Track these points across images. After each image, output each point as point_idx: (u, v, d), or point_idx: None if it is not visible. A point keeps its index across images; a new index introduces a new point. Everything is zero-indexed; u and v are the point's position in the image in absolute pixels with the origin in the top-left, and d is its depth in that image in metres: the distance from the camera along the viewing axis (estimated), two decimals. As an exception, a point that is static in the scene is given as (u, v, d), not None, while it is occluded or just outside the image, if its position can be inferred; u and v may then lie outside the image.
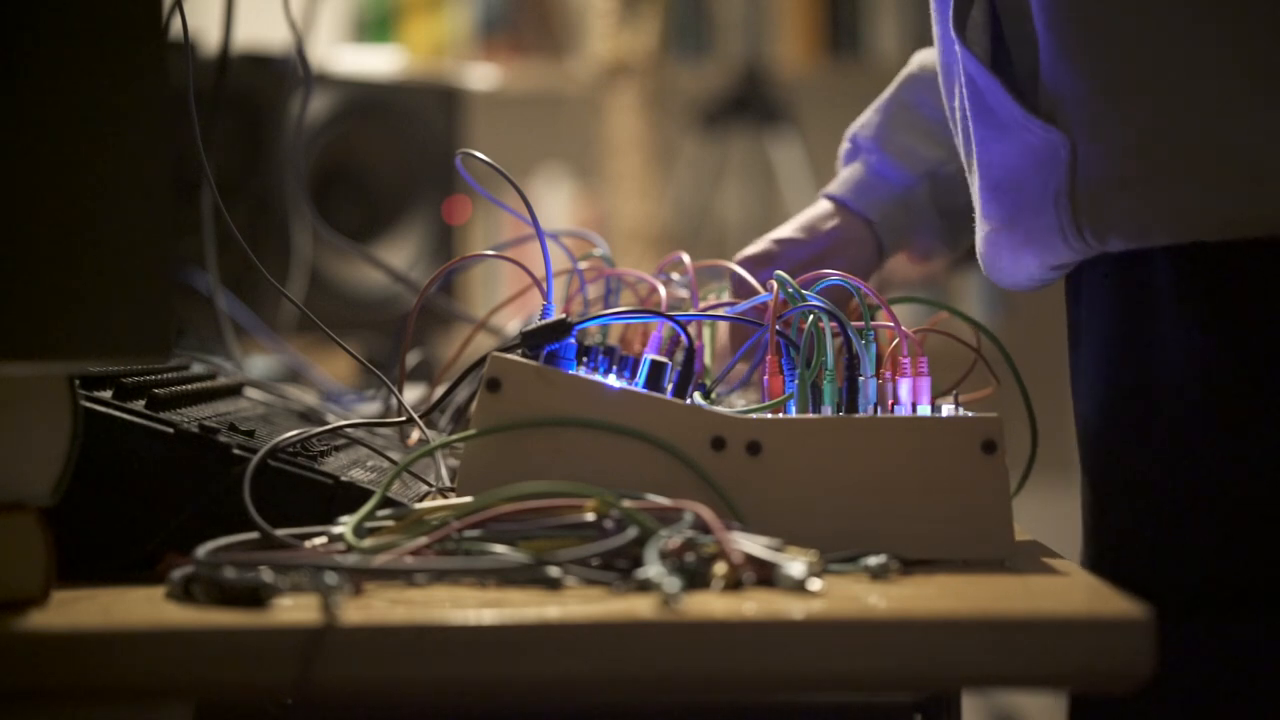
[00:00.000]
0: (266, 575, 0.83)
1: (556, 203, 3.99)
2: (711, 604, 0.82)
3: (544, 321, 1.01)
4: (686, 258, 1.23)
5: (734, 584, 0.86)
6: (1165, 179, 1.02)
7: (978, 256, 1.17)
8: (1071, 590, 0.90)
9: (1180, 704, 1.06)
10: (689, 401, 1.01)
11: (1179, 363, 1.06)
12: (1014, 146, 1.07)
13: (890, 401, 1.01)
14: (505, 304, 1.40)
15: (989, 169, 1.10)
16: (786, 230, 1.26)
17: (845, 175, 1.29)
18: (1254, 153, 1.00)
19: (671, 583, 0.82)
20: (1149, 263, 1.06)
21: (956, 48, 1.10)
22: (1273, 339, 1.03)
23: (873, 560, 0.90)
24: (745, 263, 1.22)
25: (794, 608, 0.81)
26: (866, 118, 1.30)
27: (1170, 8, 1.02)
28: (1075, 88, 1.04)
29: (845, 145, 1.31)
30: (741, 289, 1.20)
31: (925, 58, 1.29)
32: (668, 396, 1.00)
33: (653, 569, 0.84)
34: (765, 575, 0.87)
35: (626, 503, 0.89)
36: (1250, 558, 1.05)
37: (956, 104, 1.15)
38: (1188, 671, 1.04)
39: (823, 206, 1.28)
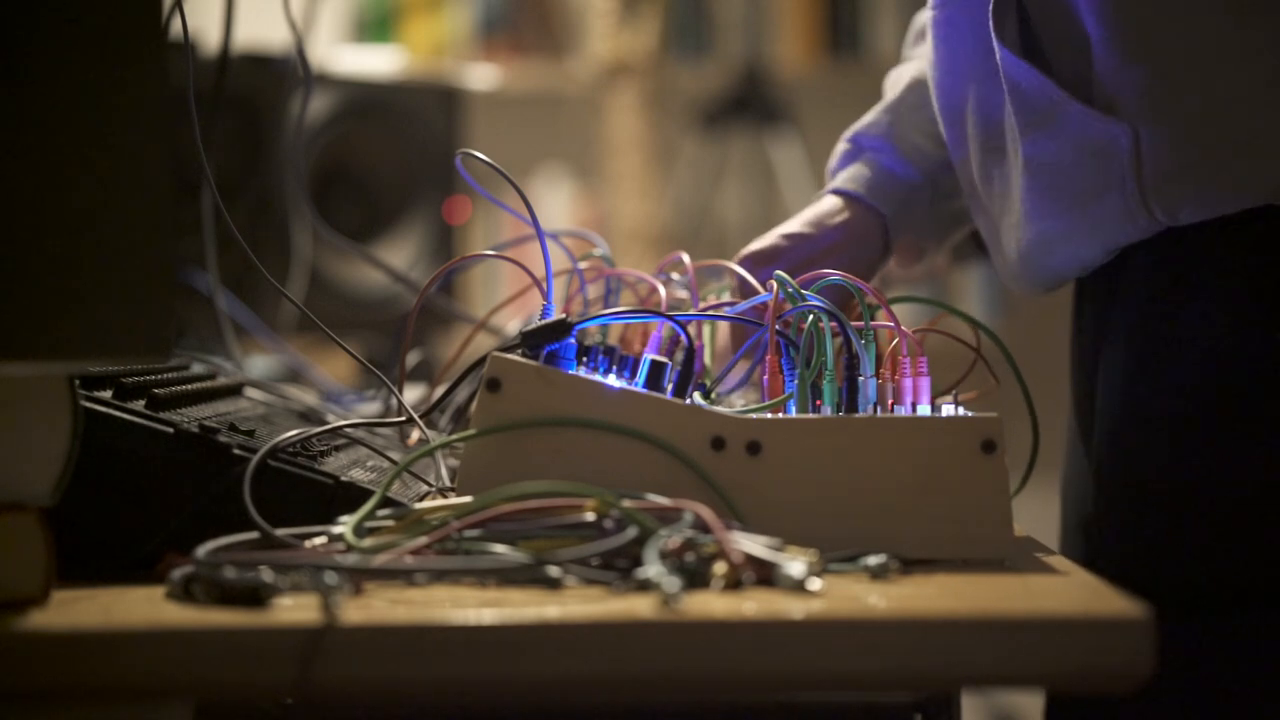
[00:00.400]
0: (266, 575, 0.83)
1: (556, 203, 3.99)
2: (711, 604, 0.82)
3: (544, 321, 1.01)
4: (686, 258, 1.23)
5: (734, 584, 0.86)
6: (1226, 153, 1.06)
7: (1011, 262, 1.17)
8: (1071, 590, 0.90)
9: (1180, 704, 1.06)
10: (689, 401, 1.01)
11: (1196, 361, 1.06)
12: (1067, 143, 1.09)
13: (890, 401, 1.01)
14: (505, 304, 1.40)
15: (1040, 169, 1.11)
16: (794, 225, 1.25)
17: (852, 173, 1.28)
18: None
19: (671, 583, 0.82)
20: (1196, 243, 1.08)
21: (998, 55, 1.11)
22: None
23: (872, 560, 0.90)
24: (752, 257, 1.21)
25: (794, 608, 0.81)
26: (872, 118, 1.30)
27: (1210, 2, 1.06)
28: (1131, 78, 1.07)
29: (844, 146, 1.30)
30: (745, 288, 1.19)
31: (915, 70, 1.29)
32: (668, 396, 1.00)
33: (653, 569, 0.84)
34: (765, 575, 0.86)
35: (626, 503, 0.89)
36: (1250, 557, 1.05)
37: (970, 118, 1.16)
38: (1188, 671, 1.04)
39: (831, 202, 1.27)
